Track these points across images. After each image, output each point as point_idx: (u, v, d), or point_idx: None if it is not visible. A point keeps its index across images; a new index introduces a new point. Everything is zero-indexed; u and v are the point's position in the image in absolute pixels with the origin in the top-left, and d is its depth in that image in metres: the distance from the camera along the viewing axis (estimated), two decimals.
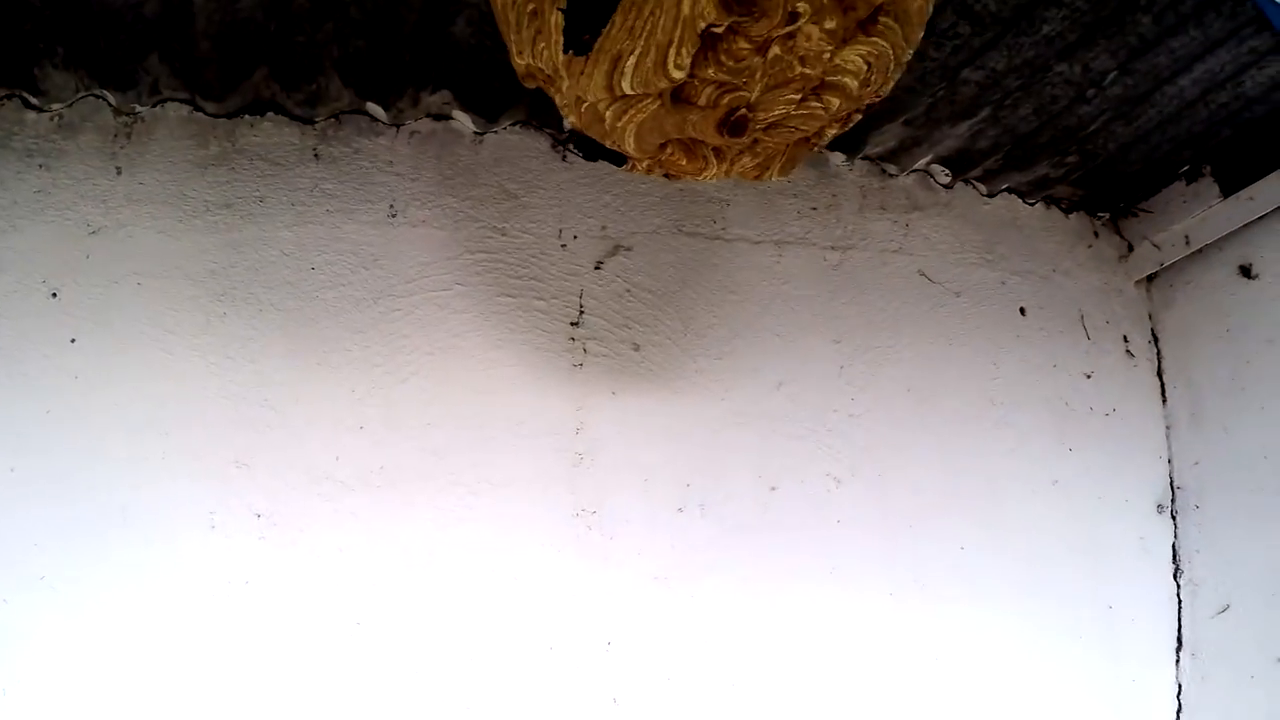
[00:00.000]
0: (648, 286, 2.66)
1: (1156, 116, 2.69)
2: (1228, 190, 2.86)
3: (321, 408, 2.38)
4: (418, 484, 2.39)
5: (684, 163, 1.76)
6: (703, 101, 1.62)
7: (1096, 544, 2.86)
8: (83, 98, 2.44)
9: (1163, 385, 3.06)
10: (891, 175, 2.98)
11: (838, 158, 2.92)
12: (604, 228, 2.66)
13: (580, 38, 1.59)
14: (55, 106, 2.43)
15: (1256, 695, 2.66)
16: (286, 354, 2.39)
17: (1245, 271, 2.86)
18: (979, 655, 2.66)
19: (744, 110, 1.64)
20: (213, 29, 2.22)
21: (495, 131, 2.65)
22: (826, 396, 2.72)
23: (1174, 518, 2.95)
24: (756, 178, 1.84)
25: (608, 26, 1.55)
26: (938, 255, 2.95)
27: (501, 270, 2.57)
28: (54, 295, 2.32)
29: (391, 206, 2.54)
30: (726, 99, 1.62)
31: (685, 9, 1.48)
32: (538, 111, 2.60)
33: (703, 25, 1.49)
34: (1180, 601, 2.90)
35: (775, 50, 1.58)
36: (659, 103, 1.63)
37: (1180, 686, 2.84)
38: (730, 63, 1.56)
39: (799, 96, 1.67)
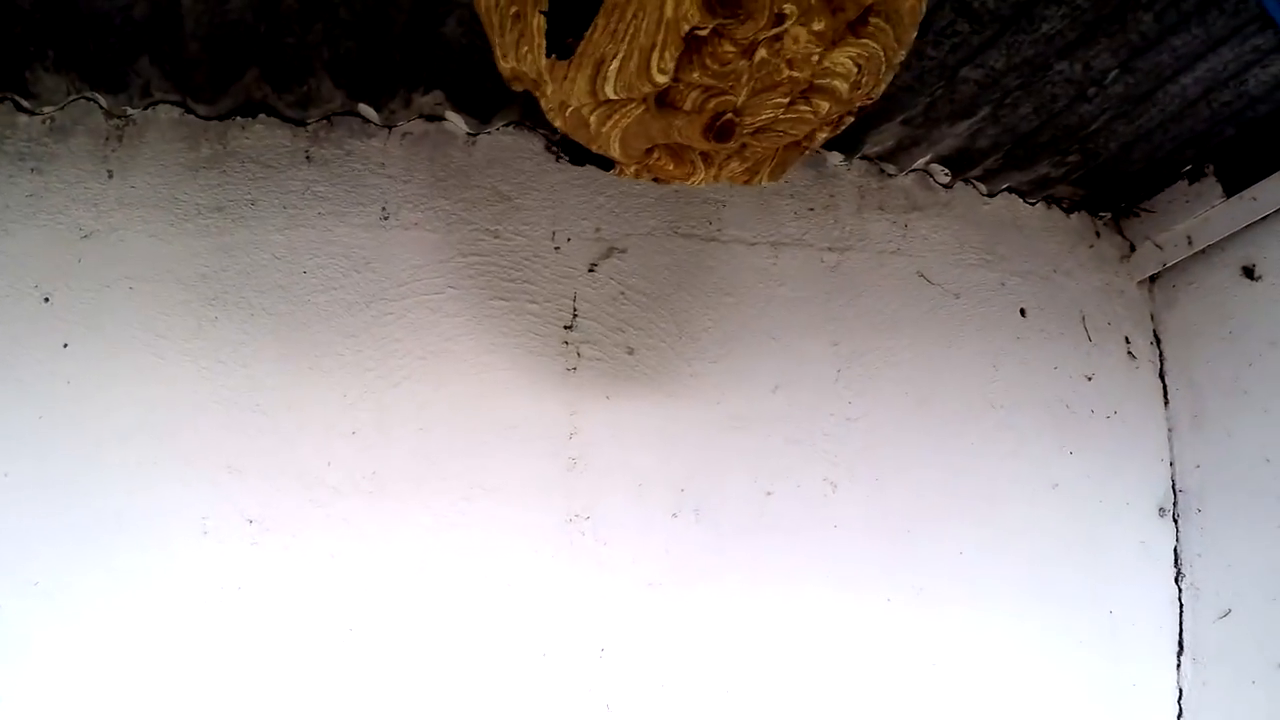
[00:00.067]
0: (642, 289, 2.61)
1: (1159, 115, 2.64)
2: (1231, 190, 2.80)
3: (313, 412, 2.34)
4: (410, 489, 2.35)
5: (671, 168, 1.71)
6: (688, 106, 1.57)
7: (1097, 547, 2.80)
8: (74, 100, 2.40)
9: (1165, 387, 3.00)
10: (890, 175, 2.92)
11: (835, 158, 2.86)
12: (598, 230, 2.61)
13: (563, 41, 1.54)
14: (47, 109, 2.39)
15: (1258, 699, 2.61)
16: (278, 358, 2.35)
17: (1248, 272, 2.80)
18: (978, 660, 2.62)
19: (730, 115, 1.59)
20: (202, 31, 2.17)
21: (488, 132, 2.60)
22: (823, 400, 2.67)
23: (1175, 521, 2.89)
24: (746, 182, 1.79)
25: (590, 30, 1.50)
26: (937, 256, 2.89)
27: (494, 273, 2.52)
28: (46, 300, 2.28)
29: (384, 209, 2.50)
30: (712, 103, 1.57)
31: (668, 11, 1.43)
32: (531, 112, 2.54)
33: (686, 28, 1.43)
34: (1181, 605, 2.85)
35: (762, 53, 1.52)
36: (644, 107, 1.57)
37: (1181, 691, 2.79)
38: (715, 66, 1.51)
39: (787, 100, 1.61)
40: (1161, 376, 3.01)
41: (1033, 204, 3.04)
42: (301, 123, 2.50)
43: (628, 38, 1.47)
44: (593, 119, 1.62)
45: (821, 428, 2.65)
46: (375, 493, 2.33)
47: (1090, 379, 2.92)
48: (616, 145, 1.66)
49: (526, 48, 1.59)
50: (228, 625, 2.19)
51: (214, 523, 2.24)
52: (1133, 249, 3.10)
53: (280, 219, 2.43)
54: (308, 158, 2.48)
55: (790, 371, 2.66)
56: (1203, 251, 2.90)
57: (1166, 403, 2.99)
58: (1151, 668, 2.79)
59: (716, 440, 2.56)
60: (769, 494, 2.56)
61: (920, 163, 2.89)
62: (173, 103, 2.44)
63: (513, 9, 1.59)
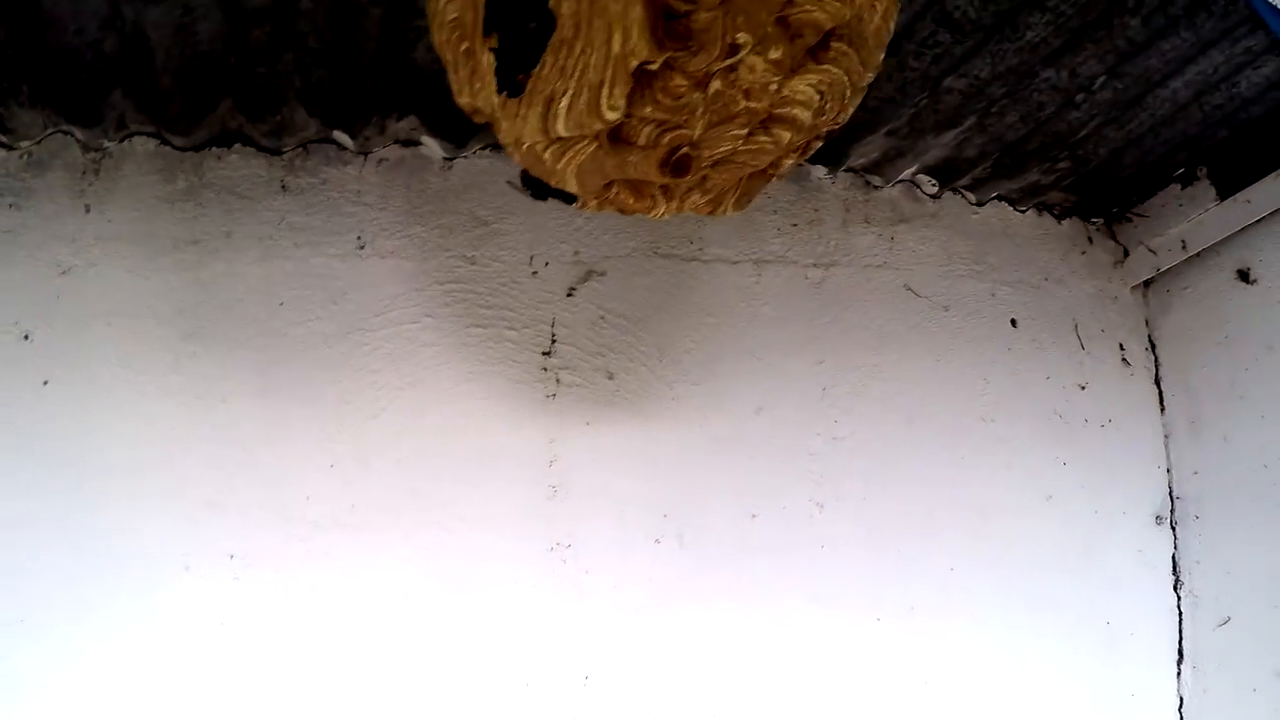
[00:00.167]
0: (622, 312, 2.54)
1: (1149, 120, 2.57)
2: (1224, 193, 2.72)
3: (292, 446, 2.28)
4: (390, 521, 2.29)
5: (631, 201, 1.64)
6: (642, 141, 1.49)
7: (1093, 558, 2.72)
8: (51, 134, 2.34)
9: (1160, 393, 2.92)
10: (876, 187, 2.83)
11: (819, 171, 2.77)
12: (576, 253, 2.54)
13: (514, 78, 1.46)
14: (24, 144, 2.33)
15: (1259, 708, 2.54)
16: (256, 392, 2.29)
17: (1244, 276, 2.72)
18: (973, 678, 2.54)
19: (687, 149, 1.51)
20: (173, 63, 2.12)
21: (464, 157, 2.53)
22: (809, 419, 2.59)
23: (1173, 529, 2.81)
24: (710, 213, 1.71)
25: (538, 67, 1.42)
26: (925, 268, 2.80)
27: (472, 300, 2.45)
28: (26, 337, 2.23)
29: (359, 238, 2.43)
30: (667, 138, 1.49)
31: (616, 47, 1.35)
32: None
33: (635, 63, 1.36)
34: (1181, 614, 2.77)
35: (716, 85, 1.44)
36: (597, 144, 1.50)
37: (1182, 700, 2.71)
38: (668, 100, 1.43)
39: (746, 131, 1.54)
40: (1157, 383, 2.93)
41: (1023, 212, 2.95)
42: (277, 151, 2.43)
43: (576, 74, 1.40)
44: (547, 156, 1.55)
45: (807, 448, 2.57)
46: (355, 525, 2.27)
47: (1084, 388, 2.83)
48: (573, 181, 1.59)
49: (479, 84, 1.53)
50: (211, 661, 2.14)
51: (196, 558, 2.18)
52: (1126, 254, 3.01)
53: (256, 251, 2.37)
54: (283, 187, 2.42)
55: (774, 392, 2.58)
56: (1197, 255, 2.81)
57: (1162, 409, 2.91)
58: (1151, 677, 2.71)
59: (700, 464, 2.48)
60: (754, 516, 2.49)
61: (907, 174, 2.81)
62: (148, 135, 2.38)
63: (463, 45, 1.52)
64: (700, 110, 1.47)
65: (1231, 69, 2.35)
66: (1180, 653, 2.74)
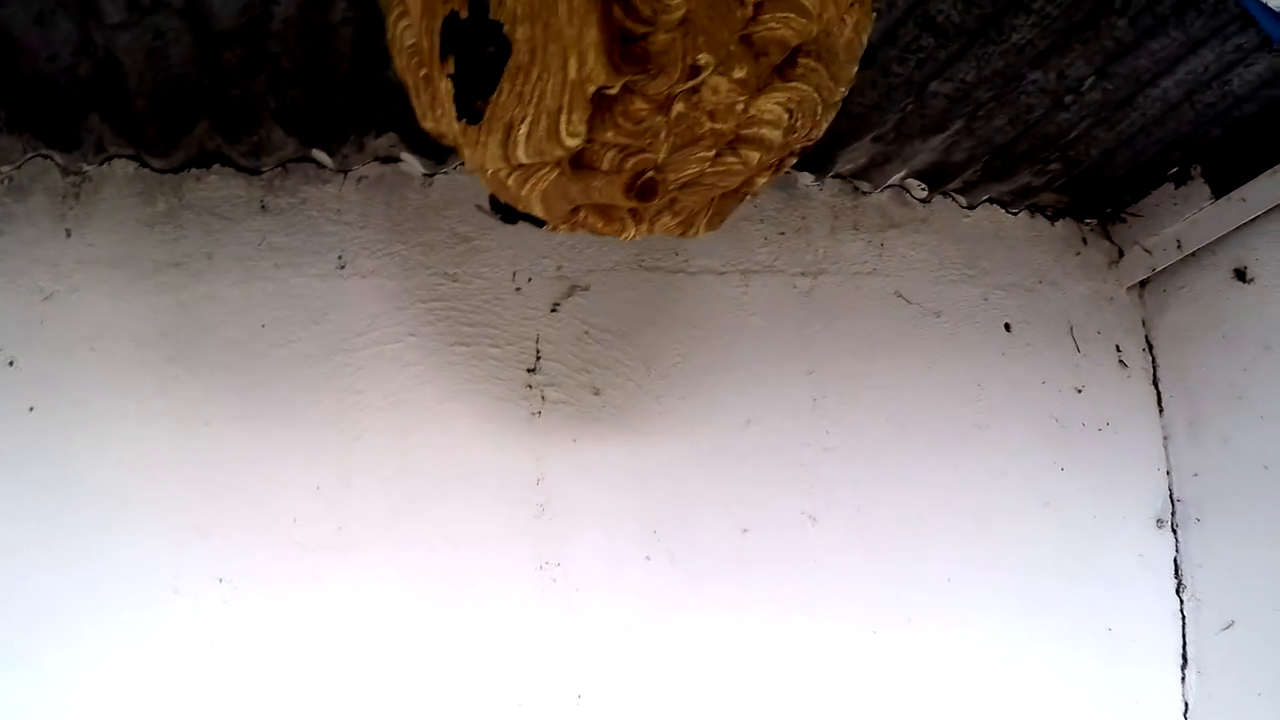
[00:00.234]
0: (607, 327, 2.50)
1: (1140, 120, 2.53)
2: (1219, 191, 2.67)
3: (277, 469, 2.25)
4: (376, 543, 2.26)
5: (600, 225, 1.59)
6: (606, 166, 1.45)
7: (1093, 564, 2.68)
8: (31, 159, 2.32)
9: (1159, 395, 2.87)
10: (864, 193, 2.79)
11: (806, 178, 2.73)
12: (559, 268, 2.50)
13: (473, 104, 1.42)
14: (4, 169, 2.30)
15: (1265, 712, 2.50)
16: (240, 415, 2.26)
17: (1240, 274, 2.67)
18: (973, 688, 2.50)
19: (652, 173, 1.47)
20: (146, 87, 2.09)
21: (445, 172, 2.49)
22: (800, 431, 2.55)
23: (1175, 532, 2.76)
24: (682, 234, 1.66)
25: (495, 94, 1.38)
26: (915, 274, 2.76)
27: (454, 318, 2.42)
28: (11, 363, 2.21)
29: (340, 257, 2.40)
30: (631, 162, 1.45)
31: (572, 72, 1.31)
32: None
33: (592, 88, 1.31)
34: (1184, 618, 2.72)
35: (679, 107, 1.40)
36: (559, 170, 1.45)
37: (1187, 705, 2.67)
38: (629, 125, 1.39)
39: (713, 153, 1.49)
40: (1155, 384, 2.88)
41: (1015, 214, 2.90)
42: (256, 171, 2.40)
43: (534, 101, 1.36)
44: (511, 182, 1.51)
45: (798, 459, 2.53)
46: (342, 547, 2.24)
47: (1080, 391, 2.78)
48: (539, 207, 1.55)
49: (440, 110, 1.49)
50: (202, 684, 2.12)
51: (184, 582, 2.15)
52: (1121, 255, 2.96)
53: (237, 272, 2.34)
54: (263, 207, 2.39)
55: (764, 403, 2.54)
56: (1193, 255, 2.77)
57: (1161, 411, 2.86)
58: (1155, 683, 2.66)
59: (689, 478, 2.45)
60: (745, 531, 2.45)
61: (895, 179, 2.76)
62: (127, 157, 2.35)
63: (422, 71, 1.49)
64: (664, 134, 1.42)
65: (1222, 67, 2.31)
66: (1184, 657, 2.70)
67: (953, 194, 2.85)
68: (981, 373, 2.73)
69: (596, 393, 2.45)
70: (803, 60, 1.48)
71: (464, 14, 1.37)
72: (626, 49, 1.32)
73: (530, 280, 2.48)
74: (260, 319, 2.34)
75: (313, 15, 1.94)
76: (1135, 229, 2.90)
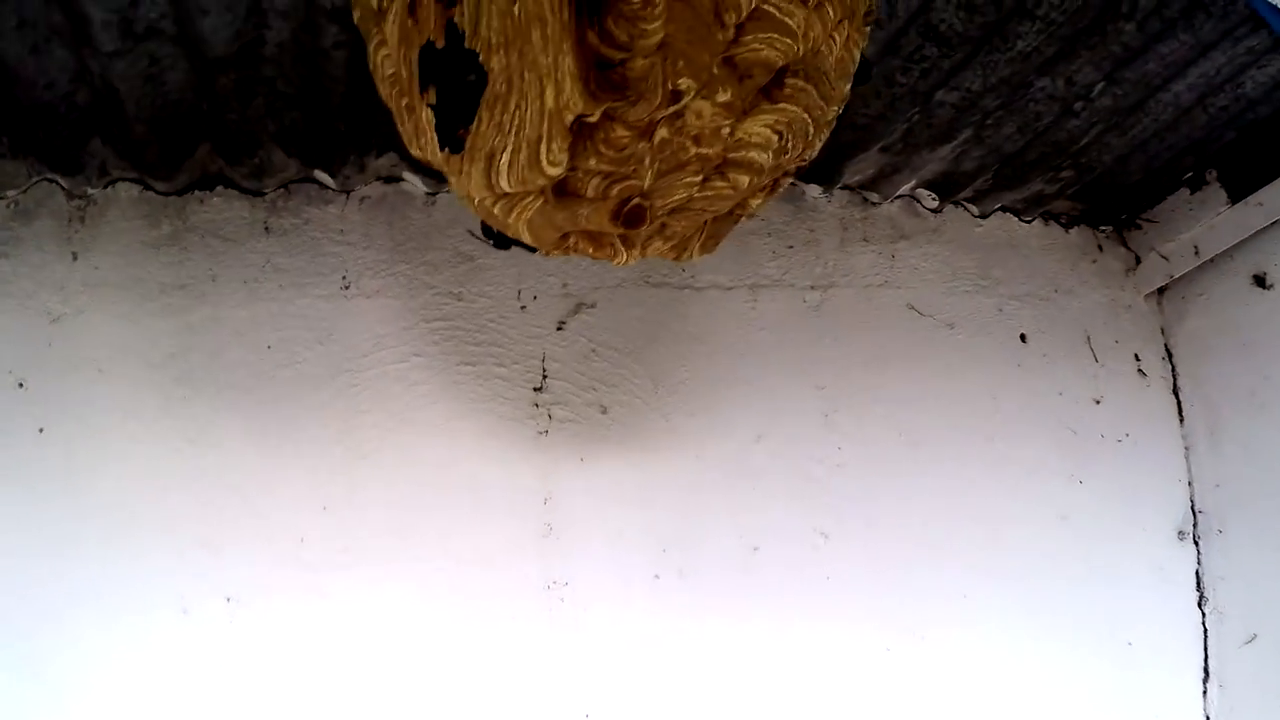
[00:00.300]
0: (613, 344, 2.47)
1: (1152, 125, 2.48)
2: (1236, 196, 2.61)
3: (284, 489, 2.25)
4: (383, 562, 2.25)
5: (591, 250, 1.56)
6: (590, 193, 1.42)
7: (1113, 578, 2.61)
8: (36, 183, 2.32)
9: (1179, 404, 2.80)
10: (874, 204, 2.74)
11: (814, 190, 2.69)
12: (565, 285, 2.48)
13: (455, 133, 1.39)
14: (10, 193, 2.31)
15: None
16: (246, 436, 2.26)
17: (1259, 281, 2.60)
18: (989, 705, 2.45)
19: (638, 199, 1.43)
20: (144, 112, 2.10)
21: (447, 191, 2.46)
22: (810, 447, 2.50)
23: (1196, 544, 2.70)
24: (676, 259, 1.63)
25: (475, 123, 1.35)
26: (927, 285, 2.71)
27: (460, 337, 2.40)
28: (20, 385, 2.22)
29: (344, 278, 2.39)
30: (616, 189, 1.42)
31: (549, 101, 1.28)
32: None
33: (570, 117, 1.28)
34: (1205, 631, 2.65)
35: (662, 133, 1.37)
36: (543, 198, 1.42)
37: (1208, 719, 2.60)
38: (611, 152, 1.36)
39: (700, 178, 1.46)
40: (1175, 393, 2.81)
41: (1029, 222, 2.85)
42: (259, 193, 2.40)
43: (514, 130, 1.33)
44: (497, 210, 1.48)
45: (809, 476, 2.48)
46: (349, 566, 2.23)
47: (1099, 402, 2.72)
48: (526, 235, 1.52)
49: (424, 139, 1.46)
50: (210, 703, 2.12)
51: (192, 601, 2.16)
52: (1138, 262, 2.90)
53: (241, 294, 2.34)
54: (266, 229, 2.38)
55: (774, 420, 2.50)
56: (1211, 261, 2.70)
57: (1181, 420, 2.79)
58: (1177, 698, 2.59)
59: (698, 496, 2.41)
60: (756, 549, 2.41)
61: (905, 189, 2.72)
62: (131, 180, 2.35)
63: (404, 100, 1.46)
64: (648, 160, 1.39)
65: (1235, 70, 2.26)
66: (1206, 671, 2.63)
67: (964, 203, 2.79)
68: (996, 385, 2.67)
69: (604, 411, 2.42)
70: (790, 80, 1.45)
71: (440, 43, 1.35)
72: (604, 76, 1.29)
73: (535, 298, 2.46)
74: (265, 340, 2.33)
75: (305, 39, 1.93)
76: (1151, 235, 2.84)
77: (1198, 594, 2.67)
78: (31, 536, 2.13)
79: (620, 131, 1.34)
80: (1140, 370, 2.79)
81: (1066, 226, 2.88)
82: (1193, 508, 2.72)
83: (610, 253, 1.57)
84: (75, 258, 2.31)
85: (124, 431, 2.22)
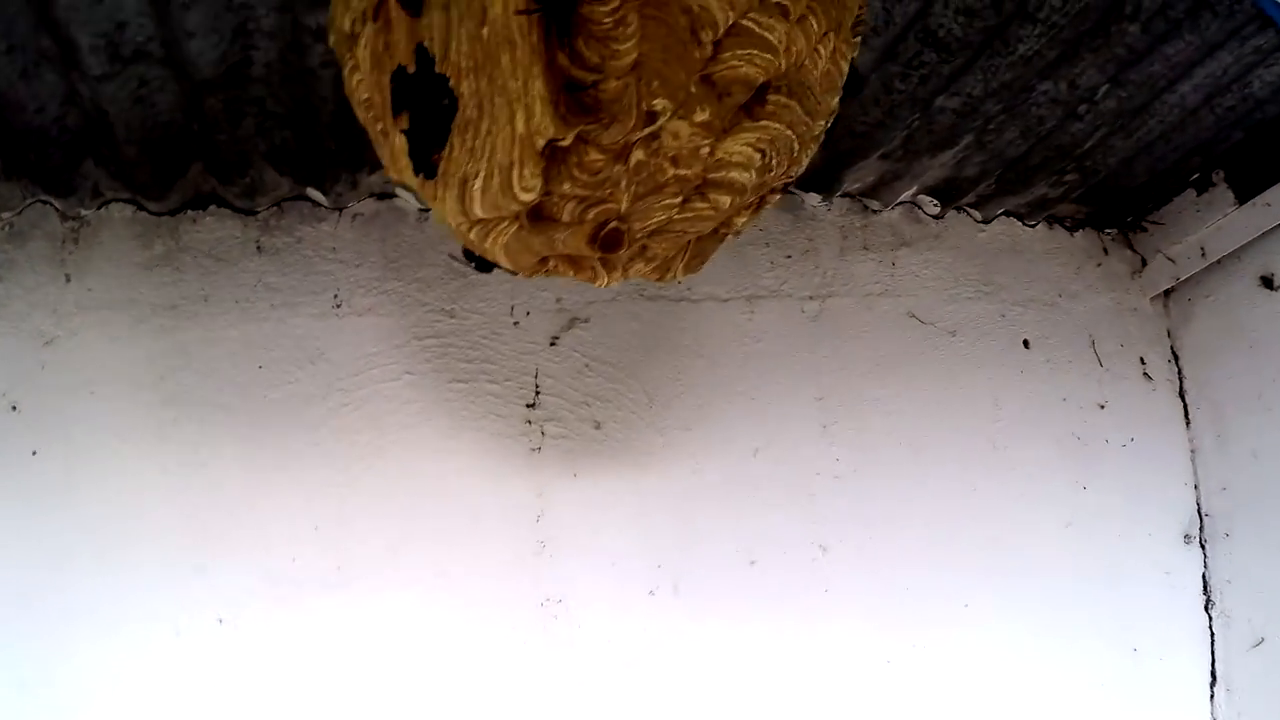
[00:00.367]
0: (607, 359, 2.43)
1: (1158, 127, 2.42)
2: (1243, 197, 2.55)
3: (276, 510, 2.22)
4: (376, 582, 2.21)
5: (571, 273, 1.52)
6: (566, 218, 1.37)
7: (1118, 584, 2.56)
8: (30, 205, 2.30)
9: (1185, 407, 2.74)
10: (875, 211, 2.68)
11: (813, 199, 2.63)
12: (558, 300, 2.43)
13: (429, 159, 1.35)
14: (5, 215, 2.29)
15: None
16: (238, 457, 2.23)
17: (1267, 282, 2.55)
18: (993, 718, 2.40)
19: (616, 223, 1.38)
20: (135, 134, 2.07)
21: None
22: (809, 459, 2.46)
23: (1203, 547, 2.65)
24: (660, 279, 1.58)
25: (447, 149, 1.30)
26: (929, 293, 2.65)
27: (452, 354, 2.36)
28: (14, 408, 2.20)
29: (336, 296, 2.36)
30: (592, 213, 1.37)
31: (519, 126, 1.23)
32: None
33: (542, 142, 1.23)
34: (1213, 635, 2.60)
35: (638, 155, 1.32)
36: (518, 223, 1.37)
37: None
38: (586, 176, 1.31)
39: (680, 199, 1.41)
40: (1181, 396, 2.75)
41: (1032, 226, 2.79)
42: (251, 212, 2.37)
43: (486, 155, 1.28)
44: (473, 235, 1.44)
45: (808, 488, 2.43)
46: (341, 586, 2.20)
47: (1103, 407, 2.67)
48: (504, 259, 1.47)
49: (400, 164, 1.41)
50: None
51: (186, 622, 2.13)
52: (1144, 264, 2.84)
53: (234, 314, 2.31)
54: (258, 248, 2.35)
55: (772, 432, 2.45)
56: (1218, 262, 2.64)
57: (1188, 424, 2.73)
58: (1183, 703, 2.54)
59: (694, 511, 2.37)
60: (753, 563, 2.37)
61: (906, 195, 2.66)
62: (124, 201, 2.33)
63: (378, 125, 1.42)
64: (624, 183, 1.34)
65: (1242, 69, 2.20)
66: (1213, 675, 2.58)
67: (966, 208, 2.74)
68: (999, 392, 2.62)
69: (598, 426, 2.38)
70: (772, 97, 1.40)
71: (411, 68, 1.30)
72: (576, 98, 1.24)
73: (528, 314, 2.41)
74: (258, 360, 2.30)
75: (293, 59, 1.90)
76: (1157, 237, 2.78)
77: (1204, 598, 2.62)
78: (26, 558, 2.11)
79: (594, 155, 1.29)
80: (1146, 374, 2.73)
81: (1071, 230, 2.82)
82: (1199, 511, 2.67)
83: (591, 275, 1.52)
84: (68, 279, 2.28)
85: (117, 453, 2.20)
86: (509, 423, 2.35)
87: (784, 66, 1.37)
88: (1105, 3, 1.96)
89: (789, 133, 1.44)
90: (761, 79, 1.36)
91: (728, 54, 1.31)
